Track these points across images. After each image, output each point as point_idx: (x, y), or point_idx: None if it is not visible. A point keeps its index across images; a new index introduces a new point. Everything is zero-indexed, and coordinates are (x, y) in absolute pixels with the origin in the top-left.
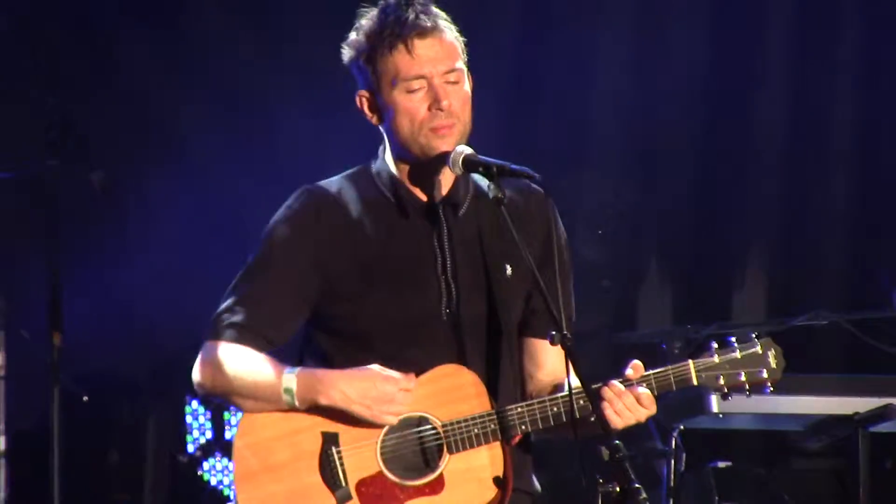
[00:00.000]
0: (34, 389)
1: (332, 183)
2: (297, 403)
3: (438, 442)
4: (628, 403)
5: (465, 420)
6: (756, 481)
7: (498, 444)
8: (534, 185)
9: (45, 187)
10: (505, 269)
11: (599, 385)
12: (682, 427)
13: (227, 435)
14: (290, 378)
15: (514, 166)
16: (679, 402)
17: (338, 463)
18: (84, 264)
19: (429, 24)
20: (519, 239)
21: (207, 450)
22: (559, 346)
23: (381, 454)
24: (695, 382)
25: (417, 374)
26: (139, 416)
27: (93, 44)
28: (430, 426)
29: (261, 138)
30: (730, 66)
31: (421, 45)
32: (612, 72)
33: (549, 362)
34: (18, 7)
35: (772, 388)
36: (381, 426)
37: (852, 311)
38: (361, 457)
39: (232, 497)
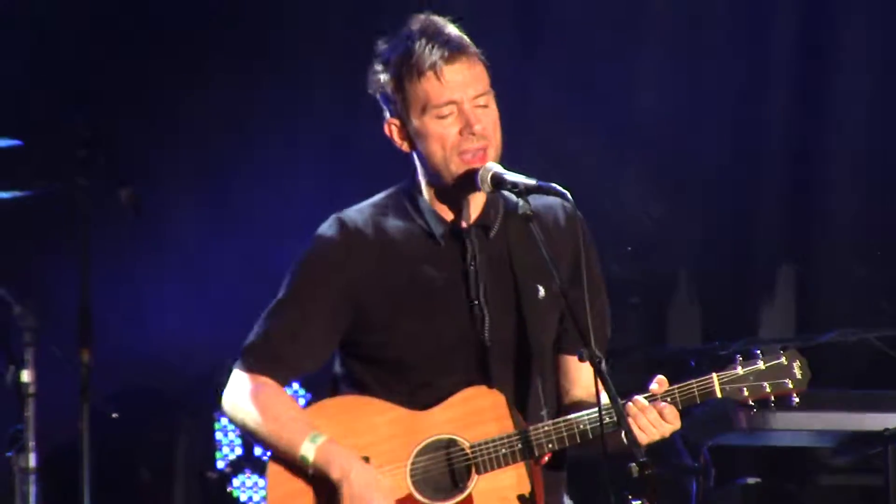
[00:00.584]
0: (65, 407)
1: (364, 210)
2: (304, 465)
3: (467, 463)
4: (652, 419)
5: (493, 440)
6: (785, 498)
7: (525, 463)
8: (564, 202)
9: (75, 205)
10: (538, 291)
11: (624, 402)
12: (711, 443)
13: (257, 451)
14: (310, 448)
15: (542, 183)
16: (708, 418)
17: None
18: (115, 282)
19: (457, 50)
20: (549, 257)
21: (237, 466)
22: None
23: (411, 476)
24: (718, 395)
25: (443, 401)
26: (169, 433)
27: (123, 61)
28: (458, 447)
29: (291, 162)
30: (760, 91)
31: (450, 71)
32: (646, 92)
33: (584, 378)
34: (48, 23)
35: (797, 400)
36: (409, 451)
37: (881, 328)
38: (392, 479)
39: None
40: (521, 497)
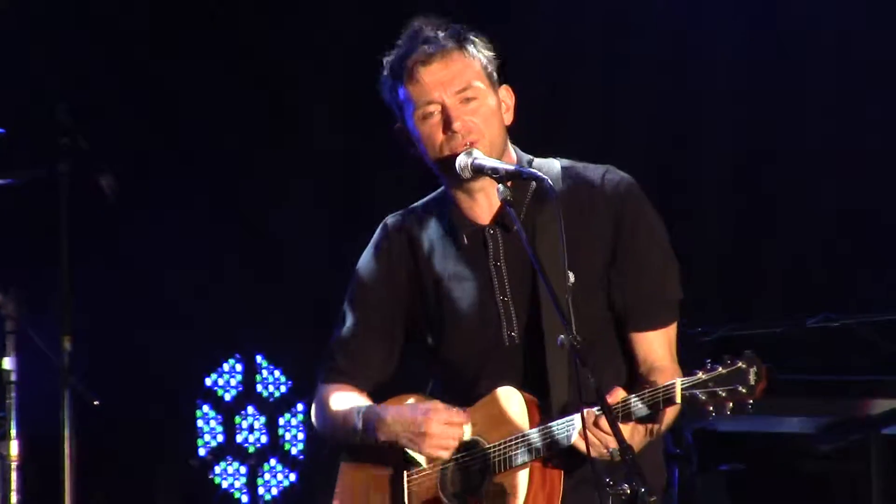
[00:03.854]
0: (46, 394)
1: (415, 211)
2: (366, 440)
3: (484, 464)
4: (594, 431)
5: (506, 441)
6: (769, 484)
7: (527, 464)
8: (610, 172)
9: (57, 192)
10: (568, 277)
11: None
12: (694, 429)
13: (239, 438)
14: (358, 419)
15: (523, 169)
16: None
17: (405, 487)
18: (97, 269)
19: (431, 50)
20: (562, 242)
21: (219, 453)
22: (651, 334)
23: (440, 478)
24: (678, 401)
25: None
26: (151, 421)
27: (106, 49)
28: (479, 449)
29: (290, 143)
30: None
31: (426, 72)
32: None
33: (642, 353)
34: (34, 9)
35: (751, 406)
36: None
37: (867, 313)
38: (427, 480)
39: None
40: (517, 499)
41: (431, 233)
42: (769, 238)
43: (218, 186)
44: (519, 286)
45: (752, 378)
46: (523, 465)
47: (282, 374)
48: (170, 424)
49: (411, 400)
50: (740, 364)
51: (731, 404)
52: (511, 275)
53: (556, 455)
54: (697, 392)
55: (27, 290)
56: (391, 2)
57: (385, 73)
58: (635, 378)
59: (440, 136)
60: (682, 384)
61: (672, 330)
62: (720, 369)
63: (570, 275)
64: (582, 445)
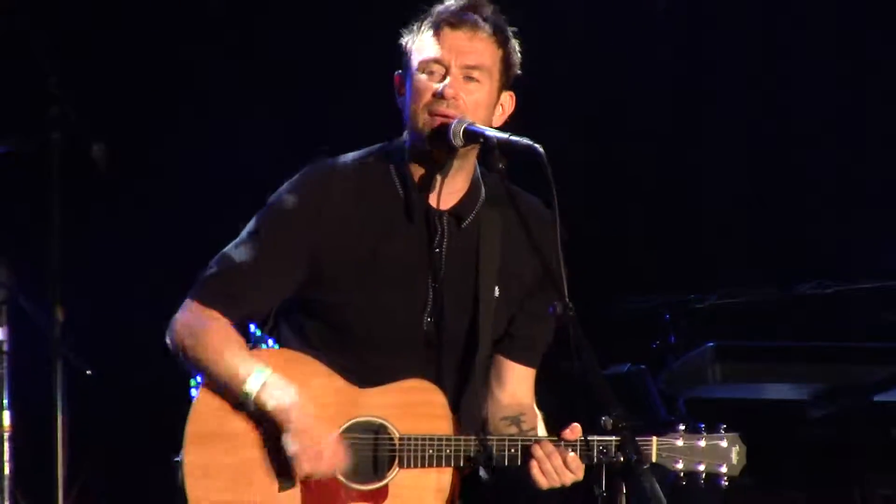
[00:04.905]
0: (39, 364)
1: (347, 165)
2: (249, 405)
3: (391, 453)
4: (556, 465)
5: (423, 438)
6: (762, 451)
7: (450, 470)
8: (543, 205)
9: (48, 160)
10: (493, 290)
11: (533, 440)
12: (686, 396)
13: None
14: (254, 383)
15: (514, 138)
16: (684, 371)
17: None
18: (89, 237)
19: (466, 17)
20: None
21: None
22: (527, 370)
23: None
24: (654, 459)
25: (383, 382)
26: (145, 391)
27: (96, 13)
28: (387, 435)
29: (284, 106)
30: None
31: (449, 34)
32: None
33: (511, 384)
34: None
35: (726, 484)
36: (338, 424)
37: (859, 280)
38: None
39: (179, 455)
40: (434, 499)
41: (372, 196)
42: (764, 204)
43: (214, 153)
44: (454, 281)
45: (734, 457)
46: (443, 469)
47: (275, 343)
48: (163, 394)
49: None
50: (722, 442)
51: (704, 475)
52: (449, 266)
53: (465, 467)
54: (676, 456)
55: (19, 260)
56: None
57: (420, 17)
58: (494, 403)
59: (428, 95)
60: (658, 444)
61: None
62: (701, 443)
63: (496, 288)
64: (540, 479)
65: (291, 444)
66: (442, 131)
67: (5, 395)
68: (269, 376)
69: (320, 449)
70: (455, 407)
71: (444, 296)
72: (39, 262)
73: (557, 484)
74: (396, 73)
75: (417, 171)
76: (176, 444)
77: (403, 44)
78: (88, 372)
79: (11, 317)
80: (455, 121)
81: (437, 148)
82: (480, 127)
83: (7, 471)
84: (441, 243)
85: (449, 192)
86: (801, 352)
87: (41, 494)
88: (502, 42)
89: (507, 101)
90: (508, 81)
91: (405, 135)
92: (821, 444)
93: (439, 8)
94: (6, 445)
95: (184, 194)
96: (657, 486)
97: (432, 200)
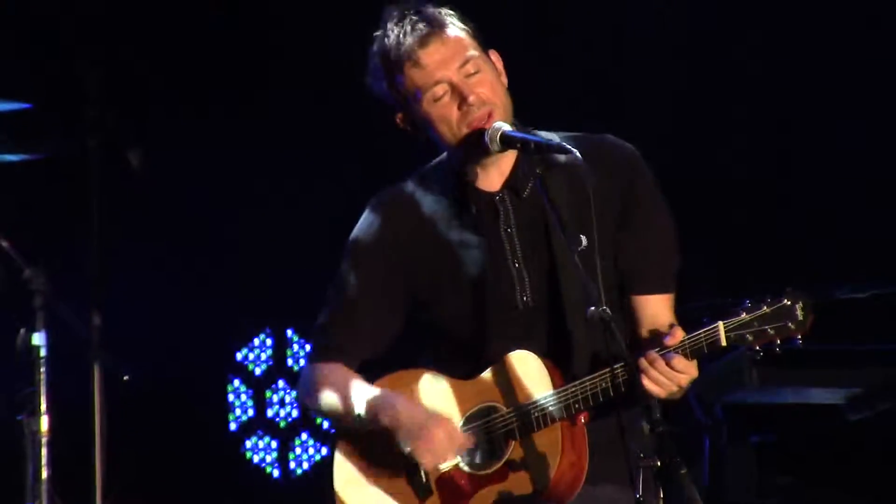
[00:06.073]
0: (77, 370)
1: (406, 185)
2: (364, 424)
3: (505, 429)
4: (662, 370)
5: (527, 405)
6: (798, 455)
7: (557, 425)
8: (613, 140)
9: (86, 166)
10: (580, 241)
11: (637, 356)
12: (724, 401)
13: (269, 413)
14: (361, 406)
15: (551, 142)
16: (721, 375)
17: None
18: (127, 243)
19: (425, 31)
20: (575, 212)
21: (249, 428)
22: (658, 298)
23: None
24: (723, 343)
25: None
26: (182, 396)
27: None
28: (498, 414)
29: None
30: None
31: (426, 54)
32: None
33: (649, 319)
34: None
35: (801, 340)
36: (456, 422)
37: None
38: None
39: None
40: (549, 460)
41: (433, 202)
42: (798, 208)
43: (248, 158)
44: (532, 251)
45: (799, 313)
46: (551, 427)
47: None
48: (200, 399)
49: (429, 384)
50: (785, 301)
51: (779, 340)
52: (523, 240)
53: (585, 413)
54: (744, 332)
55: (56, 264)
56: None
57: (377, 64)
58: (638, 342)
59: (455, 114)
60: (725, 326)
61: (672, 298)
62: (764, 308)
63: (581, 238)
64: (655, 389)
65: (406, 445)
66: (477, 137)
67: (43, 399)
68: (372, 396)
69: (433, 437)
70: (567, 369)
71: (529, 269)
72: (76, 268)
73: (673, 388)
74: (396, 116)
75: (466, 167)
76: (213, 450)
77: (380, 92)
78: (126, 377)
79: (50, 323)
80: (490, 128)
81: (479, 155)
82: (517, 132)
83: (45, 475)
84: (508, 221)
85: (500, 172)
86: (837, 355)
87: (80, 499)
88: (458, 24)
89: (497, 59)
90: (484, 43)
91: (444, 155)
92: (858, 448)
93: (391, 44)
94: (44, 450)
95: (222, 199)
96: (695, 489)
97: (486, 186)
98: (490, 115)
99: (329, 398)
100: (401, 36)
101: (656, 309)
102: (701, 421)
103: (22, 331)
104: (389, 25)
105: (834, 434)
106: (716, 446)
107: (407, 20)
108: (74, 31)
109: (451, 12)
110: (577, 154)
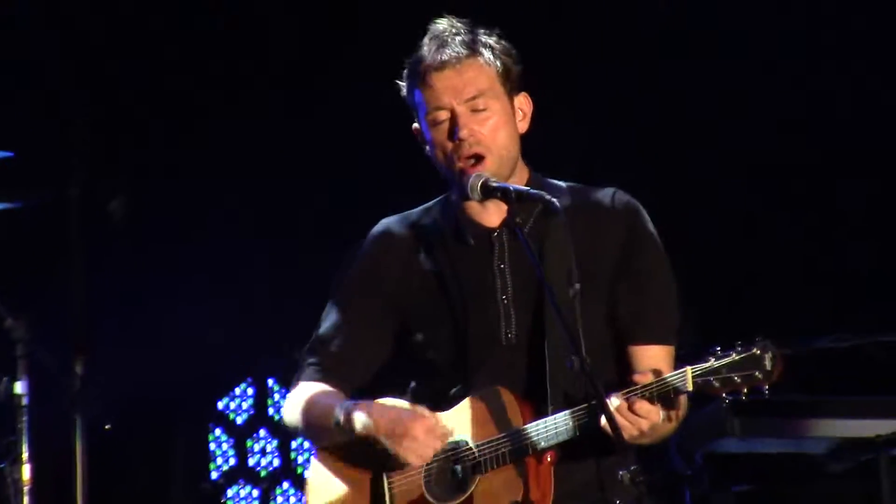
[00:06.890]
0: (59, 418)
1: (410, 216)
2: (345, 433)
3: (472, 462)
4: (623, 412)
5: (494, 440)
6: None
7: (524, 462)
8: (618, 192)
9: (68, 214)
10: (573, 285)
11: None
12: (704, 450)
13: (251, 462)
14: (340, 411)
15: (532, 192)
16: (702, 424)
17: (386, 489)
18: (109, 292)
19: (444, 57)
20: (571, 254)
21: (231, 477)
22: (655, 349)
23: (425, 477)
24: (689, 388)
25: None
26: (163, 445)
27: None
28: (466, 448)
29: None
30: None
31: (438, 78)
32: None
33: (644, 368)
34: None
35: (766, 390)
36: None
37: (875, 334)
38: (411, 481)
39: None
40: (512, 498)
41: (430, 233)
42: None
43: (230, 213)
44: (522, 290)
45: (767, 363)
46: (517, 464)
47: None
48: (182, 448)
49: (395, 401)
50: (755, 350)
51: (745, 389)
52: (515, 278)
53: (552, 452)
54: (711, 379)
55: (38, 313)
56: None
57: (406, 71)
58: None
59: (448, 144)
60: (693, 371)
61: (673, 352)
62: (733, 355)
63: (575, 284)
64: (612, 430)
65: (389, 446)
66: (464, 181)
67: (25, 448)
68: (350, 406)
69: (415, 435)
70: (544, 410)
71: (516, 307)
72: (58, 317)
73: (634, 432)
74: (413, 126)
75: (465, 200)
76: (195, 499)
77: (406, 98)
78: (107, 427)
79: (32, 372)
80: (472, 175)
81: (468, 198)
82: (498, 183)
83: None
84: (502, 257)
85: (500, 210)
86: (819, 405)
87: None
88: (489, 57)
89: (524, 103)
90: (515, 86)
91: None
92: (838, 499)
93: (418, 56)
94: (26, 499)
95: (204, 249)
96: None
97: (486, 221)
98: (481, 160)
99: (309, 410)
100: (429, 51)
101: (654, 361)
102: (681, 470)
103: (4, 379)
104: (427, 37)
105: (815, 484)
106: (697, 496)
107: (439, 38)
108: (59, 78)
109: (494, 43)
110: (557, 203)
